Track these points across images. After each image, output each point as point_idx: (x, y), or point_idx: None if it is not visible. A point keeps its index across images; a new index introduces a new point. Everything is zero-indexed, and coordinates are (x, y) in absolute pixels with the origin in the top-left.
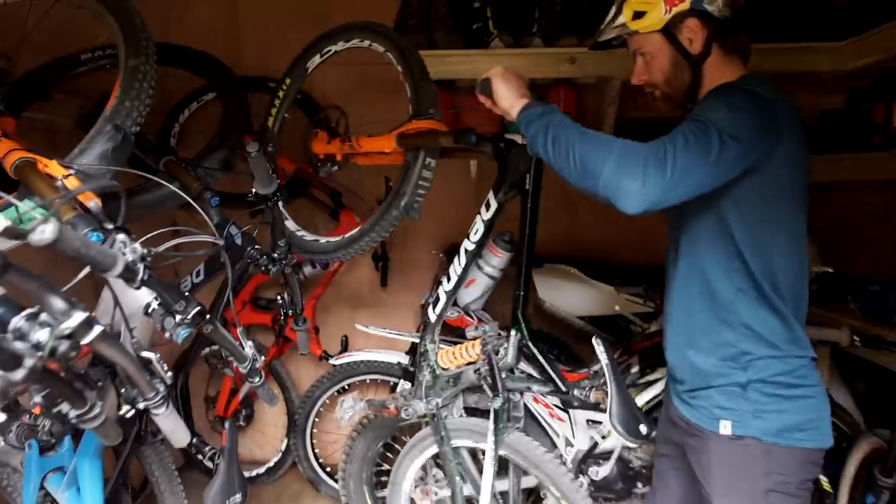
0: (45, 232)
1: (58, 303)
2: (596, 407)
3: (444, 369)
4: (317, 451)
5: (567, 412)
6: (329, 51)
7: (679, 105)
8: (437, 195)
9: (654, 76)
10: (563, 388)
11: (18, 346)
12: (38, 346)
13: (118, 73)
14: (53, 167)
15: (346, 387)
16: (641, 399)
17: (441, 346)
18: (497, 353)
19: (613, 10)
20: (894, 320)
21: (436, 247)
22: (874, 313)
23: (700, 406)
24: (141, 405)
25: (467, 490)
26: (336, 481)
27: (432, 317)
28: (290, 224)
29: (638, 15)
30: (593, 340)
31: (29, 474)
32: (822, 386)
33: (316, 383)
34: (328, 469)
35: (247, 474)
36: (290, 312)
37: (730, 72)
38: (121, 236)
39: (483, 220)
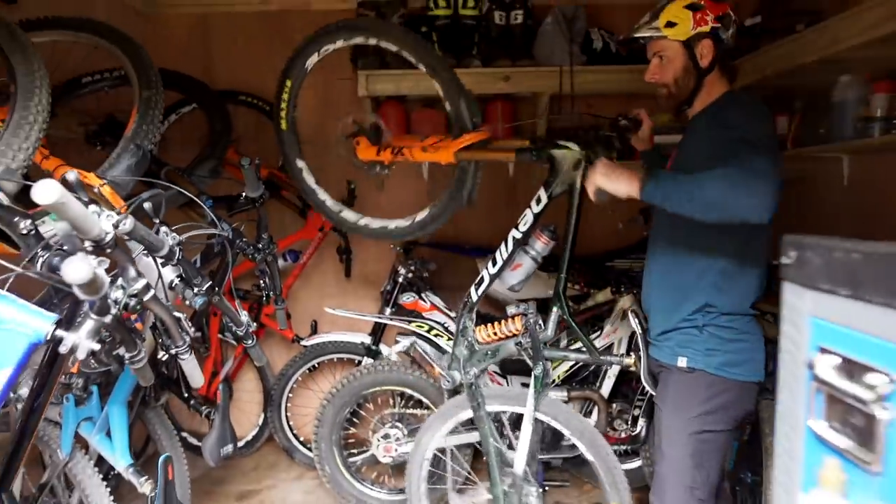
0: (126, 224)
1: (132, 272)
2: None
3: (482, 343)
4: (291, 423)
5: (505, 377)
6: (328, 49)
7: (678, 105)
8: (394, 195)
9: (666, 76)
10: (598, 356)
11: (110, 300)
12: (116, 301)
13: (134, 103)
14: (91, 178)
15: (316, 365)
16: (567, 364)
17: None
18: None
19: (649, 15)
20: None
21: (393, 243)
22: None
23: (665, 346)
24: (173, 351)
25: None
26: (309, 450)
27: (474, 296)
28: (350, 214)
29: (670, 24)
30: (629, 313)
31: (66, 423)
32: (759, 335)
33: (289, 363)
34: (301, 439)
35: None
36: (271, 294)
37: (720, 88)
38: (164, 228)
39: (533, 213)
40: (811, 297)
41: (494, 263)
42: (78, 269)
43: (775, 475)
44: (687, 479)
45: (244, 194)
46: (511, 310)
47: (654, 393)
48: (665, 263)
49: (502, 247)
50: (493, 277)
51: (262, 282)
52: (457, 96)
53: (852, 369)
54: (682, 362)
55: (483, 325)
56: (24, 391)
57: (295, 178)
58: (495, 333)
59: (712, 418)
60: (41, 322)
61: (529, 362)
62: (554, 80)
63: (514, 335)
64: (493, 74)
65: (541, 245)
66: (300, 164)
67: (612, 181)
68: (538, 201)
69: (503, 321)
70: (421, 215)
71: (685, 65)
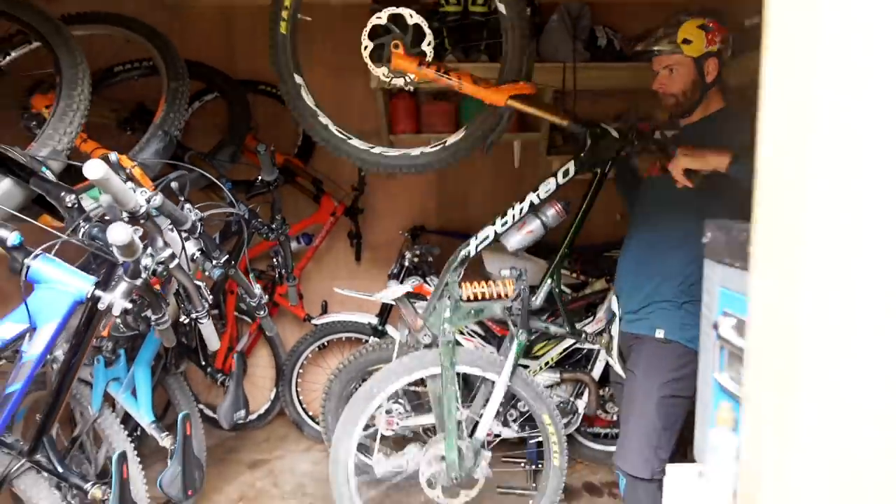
0: (156, 200)
1: (160, 241)
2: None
3: (465, 301)
4: (301, 398)
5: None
6: None
7: (679, 114)
8: (403, 186)
9: (674, 88)
10: (576, 332)
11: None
12: (146, 267)
13: (162, 93)
14: (124, 160)
15: (326, 343)
16: (565, 344)
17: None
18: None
19: (663, 31)
20: None
21: (401, 228)
22: None
23: (644, 319)
24: (193, 315)
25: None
26: (318, 424)
27: (472, 250)
28: (360, 143)
29: (686, 41)
30: (612, 296)
31: (97, 382)
32: None
33: (300, 340)
34: (310, 413)
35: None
36: (284, 272)
37: (717, 103)
38: (188, 205)
39: (557, 183)
40: (720, 270)
41: (504, 222)
42: (120, 233)
43: (696, 420)
44: (653, 440)
45: (260, 178)
46: (505, 273)
47: (621, 372)
48: (651, 247)
49: (517, 206)
50: (496, 235)
51: (275, 260)
52: (520, 35)
53: (742, 328)
54: (659, 334)
55: (469, 282)
56: (60, 353)
57: (290, 97)
58: (483, 292)
59: (680, 385)
60: (83, 283)
61: (513, 328)
62: (558, 75)
63: (502, 298)
64: (497, 69)
65: (554, 213)
66: (298, 79)
67: (701, 160)
68: (566, 174)
69: (493, 281)
70: (454, 138)
71: (694, 79)
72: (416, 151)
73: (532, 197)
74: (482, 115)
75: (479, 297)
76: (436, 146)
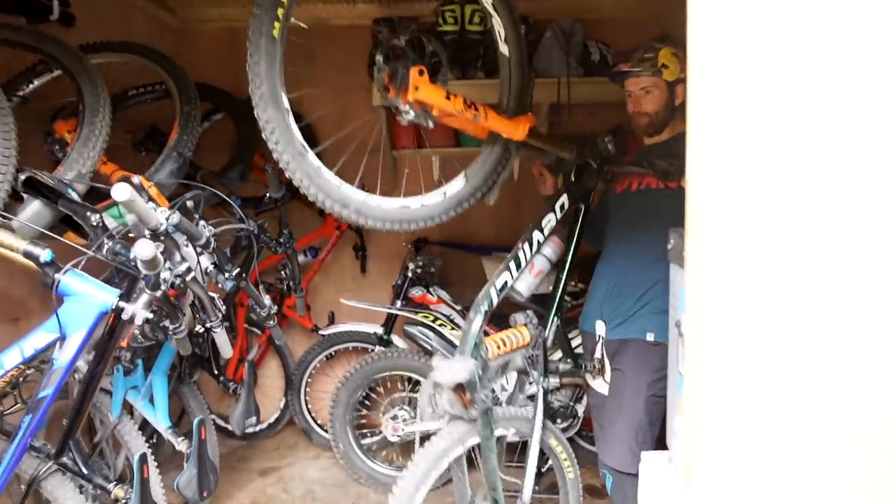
0: (174, 218)
1: (177, 256)
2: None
3: (491, 358)
4: (310, 406)
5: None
6: None
7: (651, 131)
8: None
9: (649, 107)
10: (579, 366)
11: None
12: (165, 280)
13: (176, 116)
14: (143, 181)
15: (333, 353)
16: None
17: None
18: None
19: (642, 52)
20: None
21: (404, 240)
22: None
23: (633, 324)
24: (208, 325)
25: None
26: (326, 432)
27: (494, 301)
28: (352, 191)
29: (664, 66)
30: (596, 324)
31: (117, 390)
32: None
33: (308, 350)
34: (319, 422)
35: (250, 430)
36: (291, 284)
37: (681, 126)
38: (202, 222)
39: (556, 218)
40: (681, 273)
41: (519, 267)
42: (146, 248)
43: (668, 411)
44: (640, 436)
45: (268, 195)
46: (520, 318)
47: (602, 390)
48: (636, 258)
49: (525, 248)
50: (513, 283)
51: (283, 273)
52: (523, 74)
53: None
54: (650, 337)
55: (490, 338)
56: (82, 364)
57: (273, 125)
58: (504, 344)
59: (665, 384)
60: (108, 295)
61: (534, 375)
62: (552, 90)
63: (523, 347)
64: (494, 86)
65: (554, 247)
66: (286, 101)
67: None
68: (562, 207)
69: (510, 331)
70: (454, 188)
71: (666, 101)
72: (416, 203)
73: (537, 236)
74: (481, 158)
75: (502, 353)
76: (436, 195)
